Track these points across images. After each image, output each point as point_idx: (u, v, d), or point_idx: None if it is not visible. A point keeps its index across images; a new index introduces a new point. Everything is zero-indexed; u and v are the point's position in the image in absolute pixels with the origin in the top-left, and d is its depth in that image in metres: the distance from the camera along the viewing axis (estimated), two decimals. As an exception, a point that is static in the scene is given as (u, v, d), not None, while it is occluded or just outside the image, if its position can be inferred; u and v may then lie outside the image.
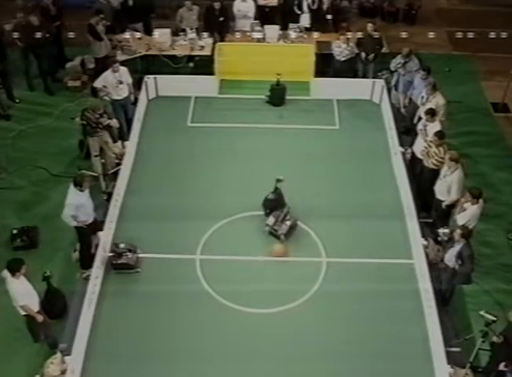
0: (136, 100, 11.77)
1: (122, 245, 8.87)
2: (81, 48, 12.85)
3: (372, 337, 8.06)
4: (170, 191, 10.21)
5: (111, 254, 8.89)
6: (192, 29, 12.80)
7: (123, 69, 10.90)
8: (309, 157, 10.90)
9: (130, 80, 11.05)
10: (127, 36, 12.89)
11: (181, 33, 12.91)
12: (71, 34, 12.00)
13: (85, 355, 7.76)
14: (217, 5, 12.91)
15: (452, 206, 8.89)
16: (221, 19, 13.07)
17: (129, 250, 8.84)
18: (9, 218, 9.76)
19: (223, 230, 9.48)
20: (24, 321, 7.56)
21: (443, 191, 8.99)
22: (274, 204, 9.44)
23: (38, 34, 11.72)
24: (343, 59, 12.28)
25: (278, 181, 9.36)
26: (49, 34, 12.21)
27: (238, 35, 12.91)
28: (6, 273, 7.16)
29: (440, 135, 9.29)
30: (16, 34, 11.88)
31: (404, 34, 11.93)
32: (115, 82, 10.73)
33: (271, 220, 9.28)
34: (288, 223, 9.24)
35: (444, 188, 8.93)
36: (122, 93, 10.91)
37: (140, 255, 8.95)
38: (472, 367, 7.35)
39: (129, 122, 11.19)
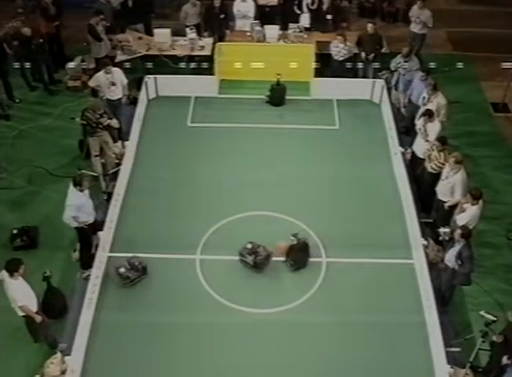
0: (136, 100, 11.78)
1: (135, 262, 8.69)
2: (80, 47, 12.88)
3: (372, 337, 8.05)
4: (169, 191, 10.21)
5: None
6: (192, 29, 12.79)
7: (116, 70, 10.87)
8: (308, 157, 10.90)
9: (125, 81, 10.99)
10: (127, 36, 12.91)
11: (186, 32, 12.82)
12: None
13: (86, 355, 7.76)
14: (217, 2, 12.92)
15: (454, 206, 8.88)
16: (222, 16, 13.10)
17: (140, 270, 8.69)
18: (8, 218, 9.75)
19: (223, 230, 9.47)
20: (24, 321, 7.55)
21: (445, 192, 8.95)
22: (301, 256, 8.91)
23: (31, 43, 11.75)
24: (341, 59, 12.25)
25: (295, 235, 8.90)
26: (43, 39, 12.18)
27: (238, 35, 12.89)
28: (4, 274, 7.16)
29: (442, 141, 9.25)
30: (6, 42, 11.85)
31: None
32: (107, 83, 10.74)
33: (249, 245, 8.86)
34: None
35: (447, 190, 8.89)
36: (114, 94, 10.87)
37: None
38: (472, 367, 7.34)
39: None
